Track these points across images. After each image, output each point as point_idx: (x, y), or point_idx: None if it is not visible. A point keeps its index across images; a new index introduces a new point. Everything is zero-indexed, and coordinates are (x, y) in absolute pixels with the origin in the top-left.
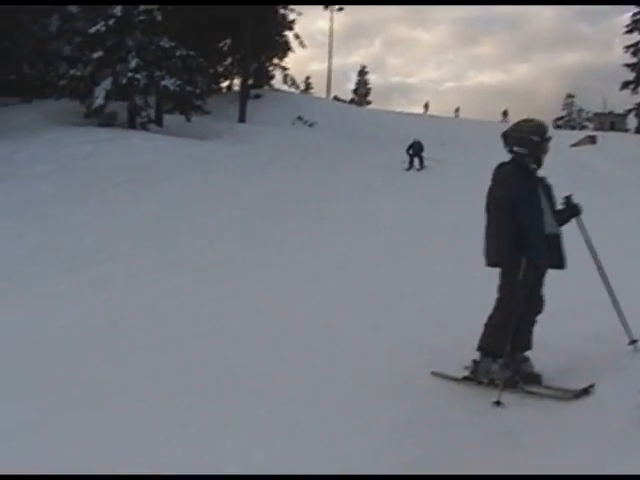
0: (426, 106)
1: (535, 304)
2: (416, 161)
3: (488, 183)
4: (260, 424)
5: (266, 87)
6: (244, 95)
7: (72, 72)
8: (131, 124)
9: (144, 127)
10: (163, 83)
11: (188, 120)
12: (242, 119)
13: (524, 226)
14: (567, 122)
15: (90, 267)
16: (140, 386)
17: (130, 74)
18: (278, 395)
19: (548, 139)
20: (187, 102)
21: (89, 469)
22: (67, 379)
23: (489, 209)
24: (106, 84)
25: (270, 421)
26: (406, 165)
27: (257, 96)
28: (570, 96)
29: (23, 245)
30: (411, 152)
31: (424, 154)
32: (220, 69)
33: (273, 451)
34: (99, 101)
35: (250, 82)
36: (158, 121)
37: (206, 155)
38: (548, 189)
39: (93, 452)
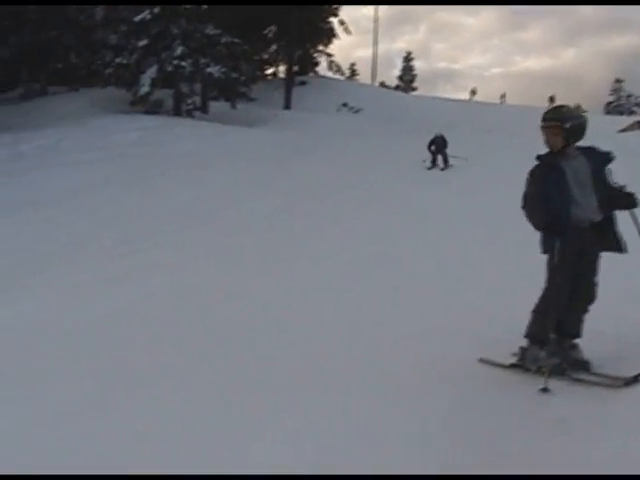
0: (473, 92)
1: (586, 292)
2: (439, 159)
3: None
4: (306, 412)
5: (311, 74)
6: (289, 82)
7: (118, 60)
8: (176, 111)
9: (189, 114)
10: (208, 70)
11: (233, 107)
12: (287, 106)
13: (557, 216)
14: (615, 107)
15: (136, 254)
16: (185, 372)
17: (175, 62)
18: (325, 381)
19: (543, 125)
20: (232, 89)
21: (132, 458)
22: (113, 366)
23: (525, 204)
24: (151, 72)
25: (316, 408)
26: (428, 164)
27: (302, 83)
28: (618, 81)
29: (70, 233)
30: (433, 149)
31: (448, 150)
32: (265, 56)
33: (320, 441)
34: (145, 89)
35: (295, 69)
36: (203, 108)
37: (252, 142)
38: (598, 163)
39: (138, 440)
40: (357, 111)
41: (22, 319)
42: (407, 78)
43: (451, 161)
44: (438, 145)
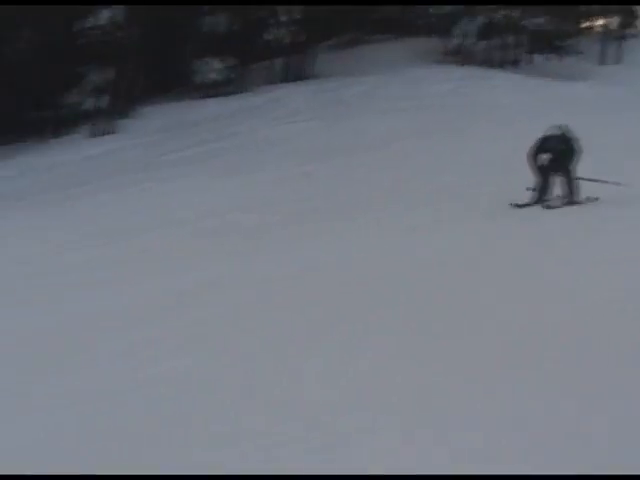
0: None
1: None
2: (555, 182)
3: None
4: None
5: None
6: (615, 36)
7: (434, 11)
8: (492, 63)
9: (506, 67)
10: (526, 22)
11: (556, 60)
12: (614, 60)
13: None
14: None
15: (441, 204)
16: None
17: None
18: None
19: None
20: (553, 42)
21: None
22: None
23: None
24: (467, 23)
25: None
26: (534, 197)
27: (628, 36)
28: None
29: (380, 179)
30: (545, 161)
31: (572, 167)
32: (585, 9)
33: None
34: (459, 40)
35: (619, 22)
36: (524, 60)
37: (569, 97)
38: None
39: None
40: None
41: (327, 260)
42: None
43: (584, 193)
44: (556, 156)
